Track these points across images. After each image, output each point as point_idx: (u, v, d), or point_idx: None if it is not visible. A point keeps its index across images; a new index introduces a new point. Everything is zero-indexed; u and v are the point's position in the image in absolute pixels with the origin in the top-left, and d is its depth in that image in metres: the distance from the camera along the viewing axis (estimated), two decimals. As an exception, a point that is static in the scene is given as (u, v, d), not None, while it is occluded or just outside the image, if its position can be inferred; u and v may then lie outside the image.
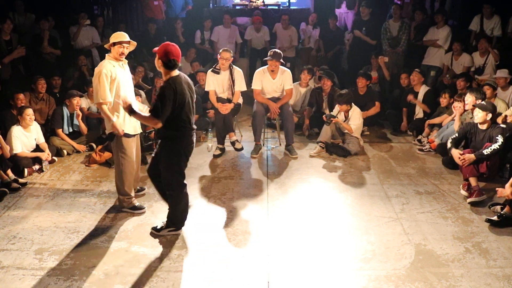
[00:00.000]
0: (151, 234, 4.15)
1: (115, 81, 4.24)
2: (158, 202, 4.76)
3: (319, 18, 8.95)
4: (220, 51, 5.96)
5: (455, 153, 4.92)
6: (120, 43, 4.23)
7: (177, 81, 3.75)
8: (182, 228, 4.17)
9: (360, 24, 8.24)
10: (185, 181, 4.05)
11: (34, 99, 6.35)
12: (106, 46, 4.32)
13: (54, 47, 7.41)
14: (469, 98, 5.49)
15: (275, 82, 6.05)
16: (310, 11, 9.80)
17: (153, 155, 4.12)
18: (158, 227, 4.16)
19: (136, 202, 4.58)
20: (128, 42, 4.29)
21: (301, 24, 8.83)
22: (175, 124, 3.81)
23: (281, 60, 5.88)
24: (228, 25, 8.67)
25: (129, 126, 4.41)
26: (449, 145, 5.12)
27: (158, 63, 3.79)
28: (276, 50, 6.00)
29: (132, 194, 4.57)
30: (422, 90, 6.73)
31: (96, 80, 4.19)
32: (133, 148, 4.48)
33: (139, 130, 4.57)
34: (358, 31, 8.17)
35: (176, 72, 3.82)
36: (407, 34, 7.78)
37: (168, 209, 4.12)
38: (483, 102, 5.15)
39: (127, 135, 4.40)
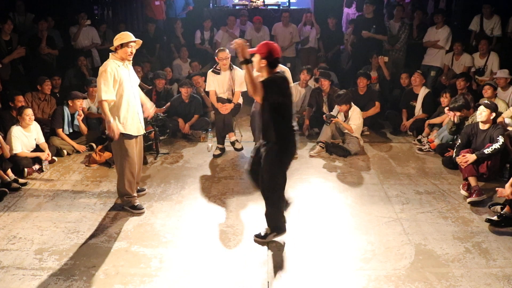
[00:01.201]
0: (255, 241, 3.99)
1: (118, 81, 4.22)
2: (158, 202, 4.77)
3: (319, 18, 8.93)
4: (216, 52, 5.96)
5: (459, 160, 4.92)
6: (127, 44, 4.25)
7: (279, 78, 3.64)
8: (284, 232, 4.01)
9: (364, 24, 8.17)
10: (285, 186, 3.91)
11: (37, 100, 6.35)
12: (112, 48, 4.30)
13: (52, 47, 7.38)
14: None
15: None
16: (310, 11, 9.80)
17: (252, 155, 3.99)
18: (262, 234, 4.00)
19: (137, 202, 4.57)
20: (135, 41, 4.32)
21: (298, 26, 8.83)
22: (274, 125, 3.68)
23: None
24: (232, 26, 8.67)
25: (132, 127, 4.38)
26: (454, 154, 5.17)
27: (261, 63, 3.61)
28: None
29: (134, 194, 4.58)
30: (422, 92, 6.72)
31: (100, 78, 4.18)
32: (134, 148, 4.46)
33: (142, 131, 4.54)
34: (367, 32, 8.00)
35: (277, 69, 3.71)
36: (406, 33, 7.79)
37: (266, 213, 3.95)
38: (487, 101, 5.14)
39: (129, 136, 4.38)
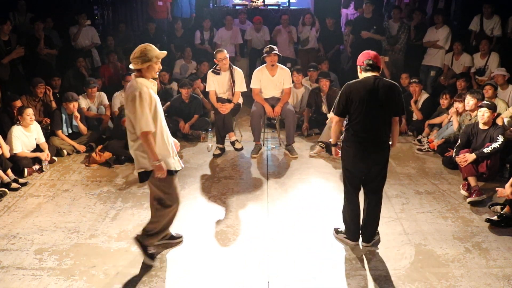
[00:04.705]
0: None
1: (153, 107, 3.40)
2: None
3: (319, 18, 8.93)
4: (215, 53, 5.97)
5: (459, 160, 4.93)
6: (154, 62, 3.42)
7: (354, 84, 3.63)
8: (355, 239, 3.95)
9: (363, 23, 8.14)
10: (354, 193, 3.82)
11: (32, 102, 6.33)
12: (135, 67, 3.40)
13: (50, 47, 7.33)
14: (471, 101, 5.48)
15: (274, 79, 6.04)
16: (310, 11, 9.81)
17: None
18: (340, 229, 4.07)
19: (152, 249, 3.78)
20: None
21: (298, 26, 8.83)
22: (347, 127, 3.73)
23: (278, 53, 5.89)
24: (230, 26, 8.66)
25: (173, 160, 3.54)
26: (454, 154, 5.18)
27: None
28: (271, 45, 6.04)
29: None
30: (421, 97, 6.73)
31: (134, 104, 3.31)
32: (178, 184, 3.68)
33: (180, 166, 3.66)
34: (367, 32, 7.93)
35: (363, 75, 3.66)
36: (406, 33, 7.79)
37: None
38: (487, 102, 5.15)
39: (172, 172, 3.55)
